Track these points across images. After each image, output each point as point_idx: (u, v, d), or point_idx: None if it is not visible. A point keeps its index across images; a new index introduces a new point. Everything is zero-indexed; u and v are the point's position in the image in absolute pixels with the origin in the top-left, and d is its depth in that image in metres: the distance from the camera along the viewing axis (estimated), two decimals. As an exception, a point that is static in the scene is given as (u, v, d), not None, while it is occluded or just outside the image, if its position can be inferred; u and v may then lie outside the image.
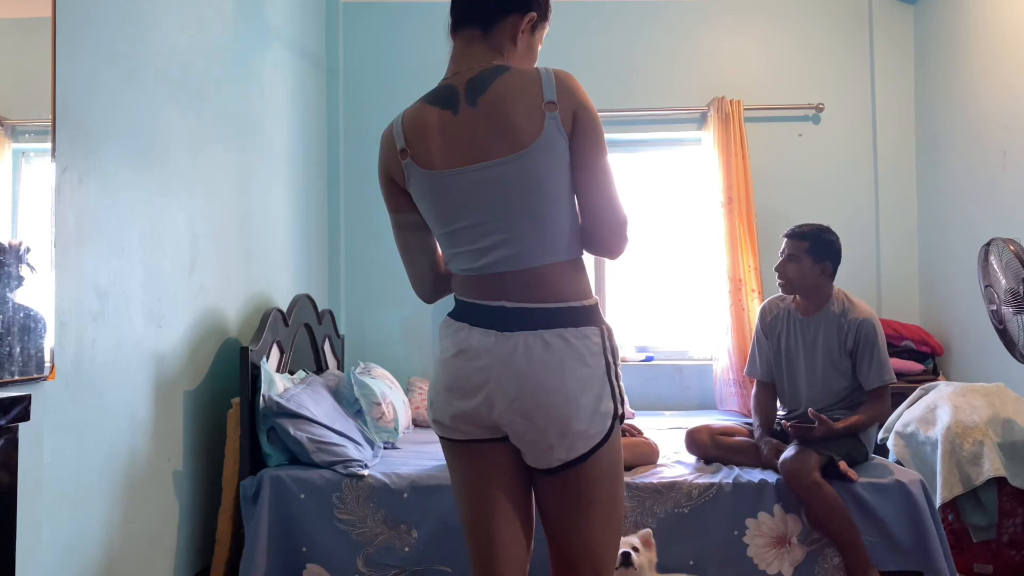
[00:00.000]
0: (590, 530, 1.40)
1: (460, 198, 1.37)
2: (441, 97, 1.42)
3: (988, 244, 2.78)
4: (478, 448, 1.43)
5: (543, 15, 1.49)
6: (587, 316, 1.37)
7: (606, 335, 1.38)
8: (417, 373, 4.15)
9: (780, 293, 2.82)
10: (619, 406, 1.38)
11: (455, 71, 1.44)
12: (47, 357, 1.71)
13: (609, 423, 1.36)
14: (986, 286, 2.81)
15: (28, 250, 1.67)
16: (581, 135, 1.34)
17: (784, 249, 2.73)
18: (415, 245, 1.51)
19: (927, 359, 3.89)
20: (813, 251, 2.67)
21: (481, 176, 1.35)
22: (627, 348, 4.29)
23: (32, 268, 1.67)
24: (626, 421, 3.32)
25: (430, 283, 1.53)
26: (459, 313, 1.43)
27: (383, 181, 1.49)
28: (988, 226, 3.44)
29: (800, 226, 2.74)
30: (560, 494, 1.40)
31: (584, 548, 1.40)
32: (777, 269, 2.74)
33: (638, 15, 4.29)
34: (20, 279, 1.63)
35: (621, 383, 1.40)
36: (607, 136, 1.41)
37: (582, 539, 1.40)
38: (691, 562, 2.45)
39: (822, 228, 2.72)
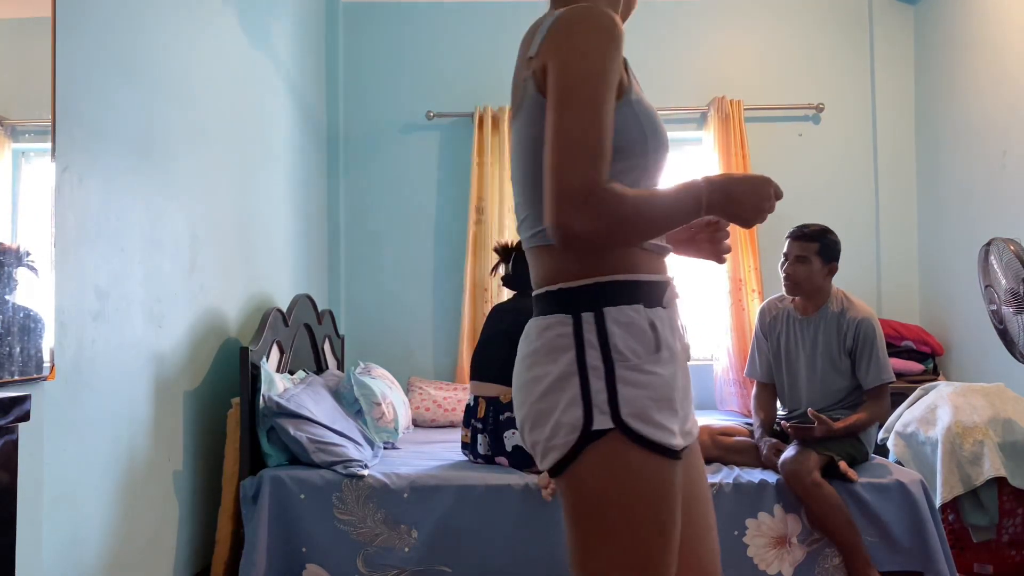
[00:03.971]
0: (576, 553, 1.10)
1: None
2: None
3: (988, 244, 2.78)
4: None
5: None
6: (556, 302, 1.12)
7: (585, 325, 1.09)
8: (417, 373, 4.15)
9: (780, 294, 2.82)
10: (595, 416, 1.06)
11: None
12: (47, 357, 1.71)
13: (574, 438, 1.06)
14: (986, 286, 2.81)
15: (28, 253, 1.67)
16: (548, 91, 1.07)
17: (791, 251, 2.70)
18: None
19: (927, 359, 3.90)
20: (823, 252, 2.65)
21: None
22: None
23: (35, 271, 1.67)
24: None
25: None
26: None
27: None
28: (988, 226, 3.44)
29: (806, 227, 2.70)
30: None
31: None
32: (787, 271, 2.69)
33: (638, 15, 4.29)
34: (20, 279, 1.63)
35: (612, 387, 1.07)
36: None
37: (575, 564, 1.11)
38: (691, 562, 2.44)
39: (827, 229, 2.70)
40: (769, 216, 1.15)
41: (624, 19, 1.28)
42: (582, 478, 1.07)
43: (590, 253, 1.12)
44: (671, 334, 1.14)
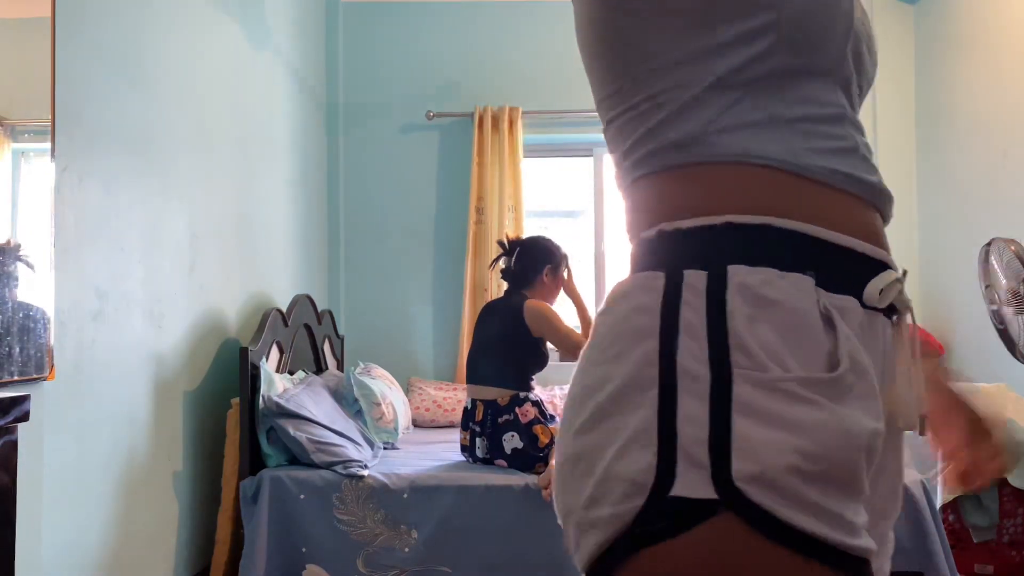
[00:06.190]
0: None
1: None
2: None
3: (988, 244, 2.78)
4: None
5: None
6: (645, 254, 0.67)
7: (686, 292, 0.60)
8: (417, 373, 4.15)
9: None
10: (679, 469, 0.54)
11: None
12: (47, 357, 1.71)
13: (634, 508, 0.55)
14: (986, 286, 2.81)
15: (27, 253, 1.66)
16: None
17: None
18: None
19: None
20: None
21: None
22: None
23: (34, 271, 1.67)
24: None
25: None
26: None
27: None
28: (988, 226, 3.44)
29: None
30: None
31: None
32: None
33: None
34: (20, 279, 1.63)
35: (724, 416, 0.55)
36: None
37: None
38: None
39: None
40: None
41: None
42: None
43: (678, 192, 0.67)
44: (870, 356, 0.62)
